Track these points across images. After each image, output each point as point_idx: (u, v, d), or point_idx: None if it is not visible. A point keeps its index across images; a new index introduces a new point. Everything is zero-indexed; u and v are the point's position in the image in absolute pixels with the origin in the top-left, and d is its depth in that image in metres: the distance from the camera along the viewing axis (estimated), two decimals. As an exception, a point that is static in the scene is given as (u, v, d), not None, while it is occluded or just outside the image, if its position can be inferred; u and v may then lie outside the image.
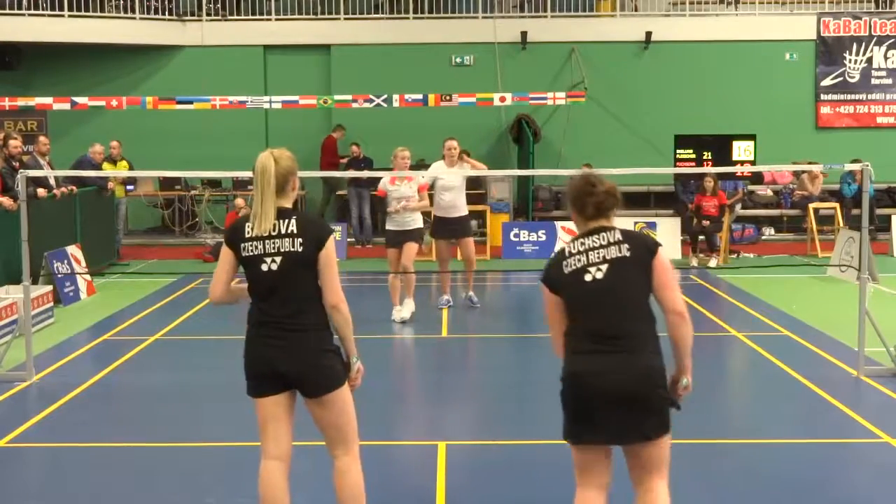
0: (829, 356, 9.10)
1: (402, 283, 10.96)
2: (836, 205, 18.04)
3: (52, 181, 13.34)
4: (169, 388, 8.30)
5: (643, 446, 4.11)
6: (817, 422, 7.30)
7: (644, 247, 4.17)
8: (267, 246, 4.37)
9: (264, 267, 4.37)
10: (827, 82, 20.40)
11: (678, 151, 17.58)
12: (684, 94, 20.09)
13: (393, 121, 19.22)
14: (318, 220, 4.64)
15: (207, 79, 19.54)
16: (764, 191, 19.61)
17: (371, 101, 18.60)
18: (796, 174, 19.23)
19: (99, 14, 19.45)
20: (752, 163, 17.04)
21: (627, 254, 4.13)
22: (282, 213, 4.40)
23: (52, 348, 9.75)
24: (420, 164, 16.53)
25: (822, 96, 20.44)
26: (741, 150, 17.38)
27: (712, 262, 15.71)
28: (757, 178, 19.29)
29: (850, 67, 20.35)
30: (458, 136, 11.93)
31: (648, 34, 20.18)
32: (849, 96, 20.43)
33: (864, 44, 20.32)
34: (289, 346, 4.37)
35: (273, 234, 4.37)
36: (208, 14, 20.33)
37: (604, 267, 4.12)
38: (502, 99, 18.87)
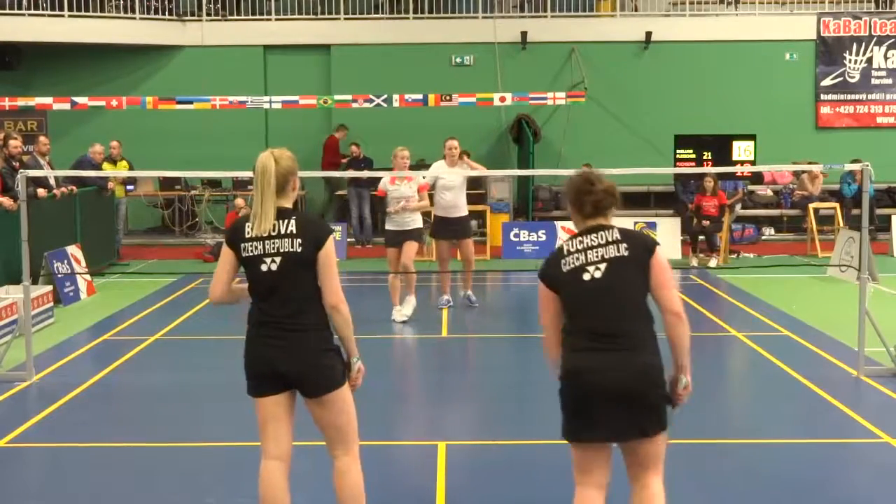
0: (829, 356, 9.10)
1: (403, 281, 10.97)
2: (836, 205, 18.05)
3: (52, 181, 13.34)
4: (169, 388, 8.30)
5: (640, 443, 4.14)
6: (817, 422, 7.30)
7: (642, 246, 4.18)
8: (267, 246, 4.37)
9: (264, 267, 4.37)
10: (827, 82, 20.41)
11: (678, 151, 17.58)
12: (684, 94, 20.09)
13: (393, 121, 19.22)
14: (317, 221, 4.64)
15: (207, 79, 19.54)
16: (764, 191, 19.61)
17: (371, 101, 18.60)
18: (796, 174, 19.23)
19: (99, 14, 19.45)
20: (752, 163, 17.05)
21: (626, 253, 4.14)
22: (282, 214, 4.40)
23: (52, 348, 9.75)
24: (420, 164, 16.53)
25: (822, 96, 20.44)
26: (741, 150, 17.39)
27: (712, 262, 15.71)
28: (757, 178, 19.29)
29: (850, 67, 20.35)
30: (458, 136, 11.93)
31: (648, 34, 20.18)
32: (849, 96, 20.43)
33: (864, 44, 20.32)
34: (289, 346, 4.37)
35: (273, 234, 4.37)
36: (208, 14, 20.33)
37: (602, 266, 4.13)
38: (502, 99, 18.87)
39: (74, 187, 14.05)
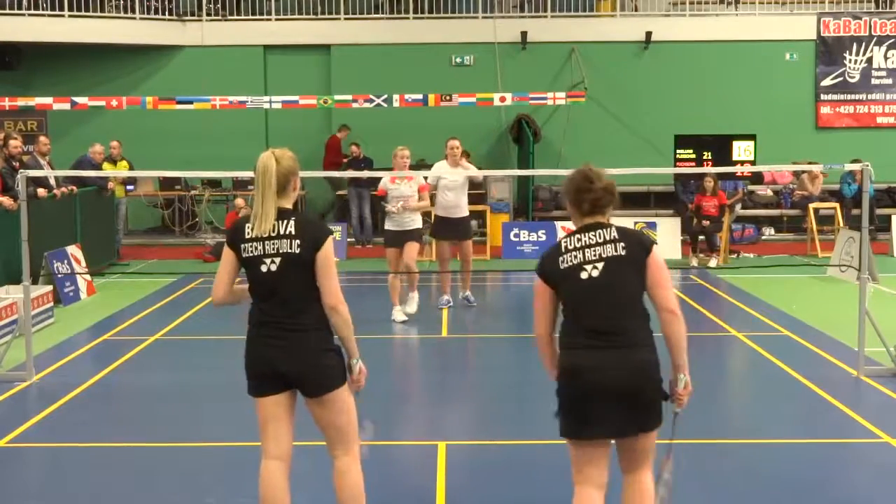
0: (829, 356, 9.10)
1: (405, 281, 10.99)
2: (836, 205, 18.05)
3: (52, 181, 13.34)
4: (169, 388, 8.30)
5: (637, 439, 4.19)
6: (817, 422, 7.30)
7: (639, 245, 4.20)
8: (267, 247, 4.38)
9: (264, 268, 4.38)
10: (827, 82, 20.41)
11: (678, 151, 17.58)
12: (684, 94, 20.09)
13: (393, 121, 19.22)
14: (316, 222, 4.64)
15: (207, 79, 19.54)
16: (764, 191, 19.61)
17: (371, 101, 18.59)
18: (796, 174, 19.23)
19: (99, 14, 19.46)
20: (752, 163, 17.05)
21: (623, 252, 4.16)
22: (282, 214, 4.40)
23: (52, 348, 9.75)
24: (420, 164, 16.54)
25: (822, 96, 20.44)
26: (741, 150, 17.38)
27: (712, 262, 15.71)
28: (757, 178, 19.29)
29: (850, 67, 20.35)
30: (459, 136, 11.93)
31: (648, 34, 20.18)
32: (849, 96, 20.43)
33: (864, 44, 20.32)
34: (289, 345, 4.37)
35: (273, 234, 4.37)
36: (208, 14, 20.33)
37: (599, 265, 4.15)
38: (502, 99, 18.86)
39: (74, 187, 14.05)
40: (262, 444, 4.51)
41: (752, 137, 17.55)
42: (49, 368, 8.85)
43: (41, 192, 12.69)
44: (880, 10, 20.78)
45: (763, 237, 18.56)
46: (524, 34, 20.14)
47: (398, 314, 10.92)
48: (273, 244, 4.37)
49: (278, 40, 20.24)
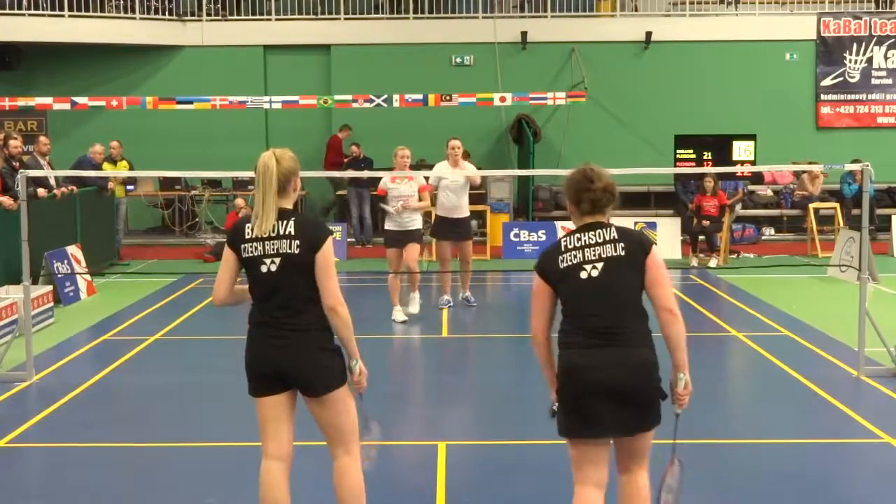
0: (829, 356, 9.10)
1: (407, 281, 10.99)
2: (836, 205, 18.04)
3: (52, 181, 13.34)
4: (169, 388, 8.30)
5: (635, 437, 4.21)
6: (817, 422, 7.30)
7: (638, 245, 4.20)
8: (267, 247, 4.38)
9: (264, 268, 4.38)
10: (827, 82, 20.40)
11: (678, 151, 17.59)
12: (684, 94, 20.08)
13: (393, 121, 19.22)
14: (315, 222, 4.61)
15: (207, 79, 19.54)
16: (764, 191, 19.61)
17: (371, 101, 18.59)
18: (796, 174, 19.22)
19: (99, 14, 19.45)
20: (753, 163, 17.05)
21: (622, 252, 4.16)
22: (282, 214, 4.40)
23: (52, 348, 9.75)
24: (420, 164, 16.53)
25: (823, 96, 20.43)
26: (741, 150, 17.39)
27: (712, 262, 15.71)
28: (757, 178, 19.29)
29: (850, 67, 20.34)
30: (459, 136, 11.94)
31: (648, 34, 20.18)
32: (849, 96, 20.42)
33: (864, 44, 20.31)
34: (289, 345, 4.37)
35: (273, 235, 4.37)
36: (208, 14, 20.33)
37: (599, 265, 4.15)
38: (502, 99, 18.86)
39: (74, 187, 14.05)
40: (263, 444, 4.51)
41: (752, 137, 17.55)
42: (49, 368, 8.85)
43: (41, 192, 12.69)
44: (880, 10, 20.77)
45: (763, 237, 18.56)
46: (524, 34, 20.14)
47: (398, 314, 10.92)
48: (273, 244, 4.37)
49: (278, 40, 20.24)
